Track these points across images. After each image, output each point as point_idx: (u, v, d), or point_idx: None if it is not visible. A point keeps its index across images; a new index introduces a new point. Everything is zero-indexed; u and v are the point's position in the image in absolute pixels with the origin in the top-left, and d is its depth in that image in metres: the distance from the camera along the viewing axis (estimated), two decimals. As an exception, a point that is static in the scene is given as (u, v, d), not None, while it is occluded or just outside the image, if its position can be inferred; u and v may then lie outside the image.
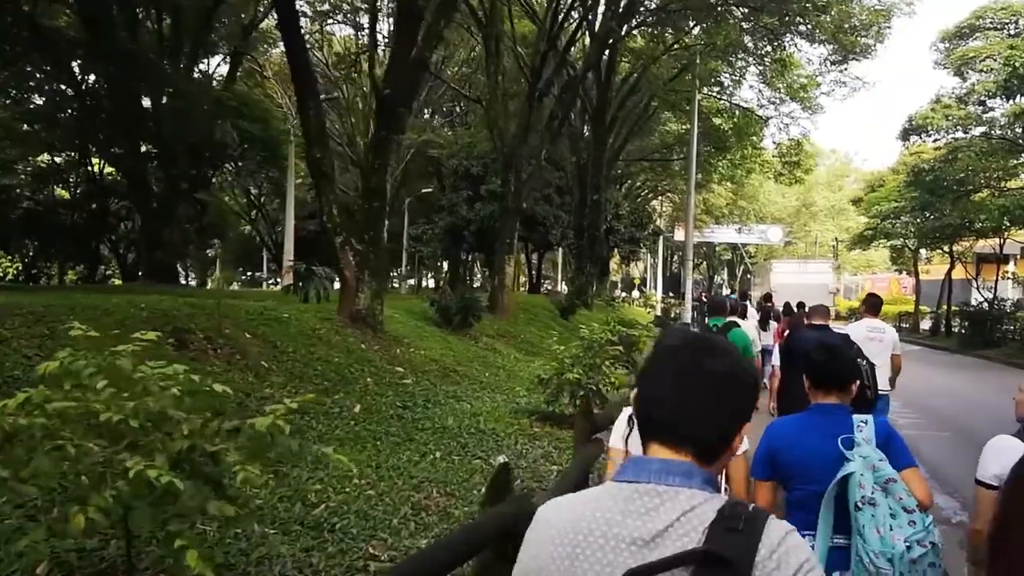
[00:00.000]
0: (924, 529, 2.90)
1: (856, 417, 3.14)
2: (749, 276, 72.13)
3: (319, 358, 10.95)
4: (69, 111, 24.76)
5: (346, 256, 12.98)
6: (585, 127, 32.99)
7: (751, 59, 31.47)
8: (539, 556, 1.32)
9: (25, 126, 27.05)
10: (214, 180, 30.58)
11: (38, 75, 21.74)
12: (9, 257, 38.55)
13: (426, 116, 44.33)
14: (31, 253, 35.48)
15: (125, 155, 21.56)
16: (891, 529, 2.88)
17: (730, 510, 1.25)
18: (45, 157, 32.97)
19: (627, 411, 3.61)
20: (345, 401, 9.85)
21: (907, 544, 2.85)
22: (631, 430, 3.36)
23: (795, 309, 15.49)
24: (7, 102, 27.22)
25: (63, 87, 22.65)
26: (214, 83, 26.67)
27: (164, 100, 20.60)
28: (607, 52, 26.65)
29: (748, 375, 1.43)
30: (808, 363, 3.32)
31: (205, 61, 26.52)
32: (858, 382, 3.46)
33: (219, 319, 9.96)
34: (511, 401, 12.12)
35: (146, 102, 21.61)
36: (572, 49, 24.51)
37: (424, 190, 45.44)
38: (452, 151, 40.19)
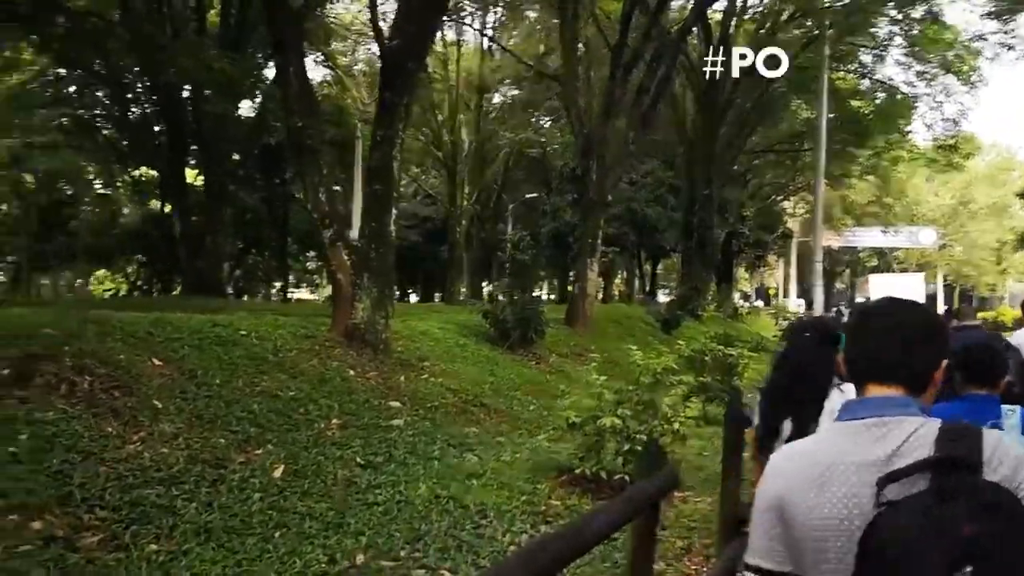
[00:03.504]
0: None
1: (1004, 407, 3.29)
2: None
3: (261, 392, 7.93)
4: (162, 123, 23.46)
5: (338, 255, 10.06)
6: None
7: (896, 28, 26.91)
8: (787, 487, 1.54)
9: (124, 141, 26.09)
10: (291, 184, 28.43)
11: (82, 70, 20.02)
12: (122, 273, 38.41)
13: (533, 116, 41.39)
14: (139, 269, 34.98)
15: (163, 153, 19.59)
16: None
17: (949, 426, 1.50)
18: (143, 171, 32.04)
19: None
20: (269, 458, 6.76)
21: None
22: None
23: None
24: (97, 113, 26.29)
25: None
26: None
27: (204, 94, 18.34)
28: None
29: (941, 322, 1.78)
30: (967, 359, 3.43)
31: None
32: (1007, 378, 3.61)
33: (80, 340, 7.07)
34: (543, 451, 8.76)
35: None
36: (667, 9, 20.84)
37: (529, 195, 42.43)
38: (559, 151, 37.37)
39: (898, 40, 27.83)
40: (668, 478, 4.08)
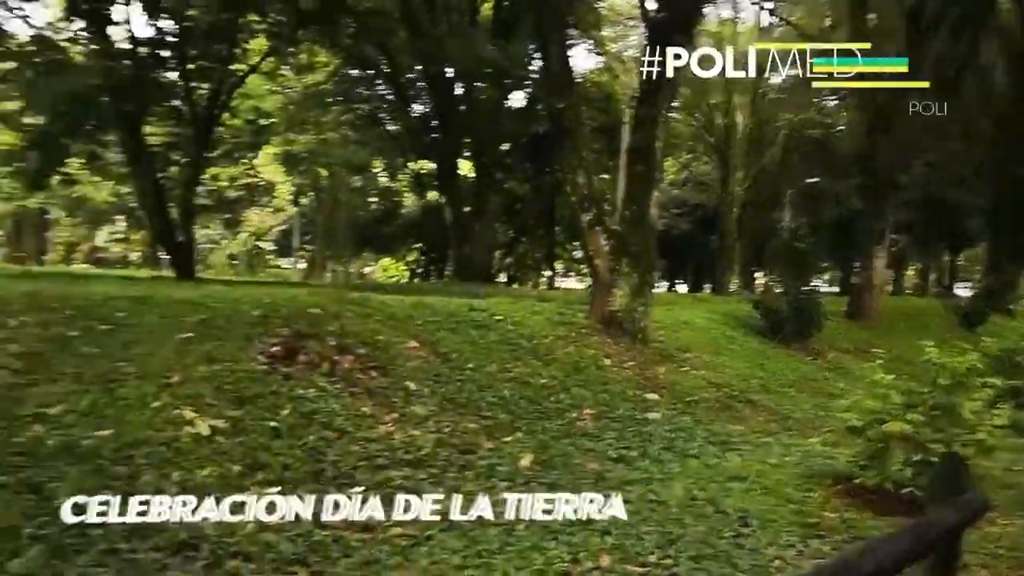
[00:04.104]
0: None
1: None
2: None
3: (513, 378, 7.80)
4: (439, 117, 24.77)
5: (596, 240, 9.75)
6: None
7: None
8: None
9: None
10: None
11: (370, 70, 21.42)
12: (403, 261, 41.10)
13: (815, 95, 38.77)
14: (417, 257, 37.28)
15: (440, 146, 20.43)
16: None
17: None
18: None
19: None
20: (517, 447, 6.56)
21: None
22: None
23: None
24: (380, 107, 28.18)
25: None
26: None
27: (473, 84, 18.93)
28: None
29: None
30: None
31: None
32: None
33: (340, 319, 7.25)
34: (816, 455, 7.86)
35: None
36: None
37: (809, 180, 39.83)
38: (844, 132, 34.82)
39: None
40: (974, 503, 3.23)
